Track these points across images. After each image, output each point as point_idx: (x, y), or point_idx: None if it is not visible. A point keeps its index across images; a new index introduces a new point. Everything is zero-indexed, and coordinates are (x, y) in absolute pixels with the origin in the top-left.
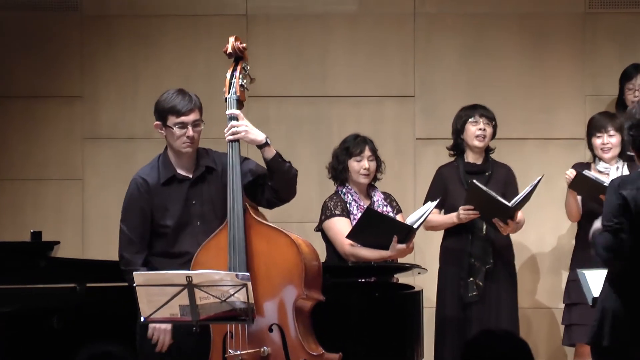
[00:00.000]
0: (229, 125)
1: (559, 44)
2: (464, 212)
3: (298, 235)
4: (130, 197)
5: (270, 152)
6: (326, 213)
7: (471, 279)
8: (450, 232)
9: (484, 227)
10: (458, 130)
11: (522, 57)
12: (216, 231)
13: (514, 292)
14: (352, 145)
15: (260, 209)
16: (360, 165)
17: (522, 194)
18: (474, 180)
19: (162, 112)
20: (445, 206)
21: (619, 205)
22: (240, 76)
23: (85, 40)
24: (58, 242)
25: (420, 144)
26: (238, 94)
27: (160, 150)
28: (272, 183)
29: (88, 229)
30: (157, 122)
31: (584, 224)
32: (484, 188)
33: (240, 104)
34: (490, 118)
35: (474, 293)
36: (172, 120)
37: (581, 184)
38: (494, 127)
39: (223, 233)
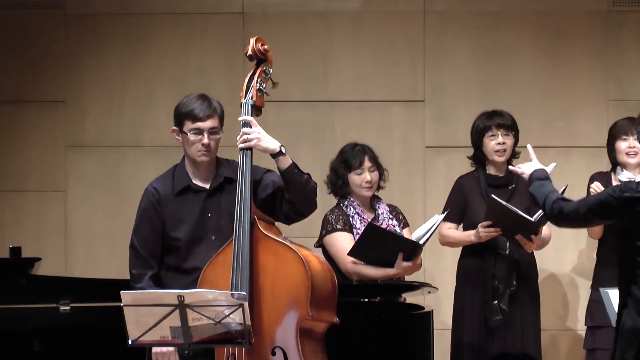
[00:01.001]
0: (241, 132)
1: (580, 44)
2: (483, 230)
3: (313, 251)
4: (141, 208)
5: (285, 162)
6: (327, 227)
7: (495, 302)
8: (471, 249)
9: (508, 245)
10: (476, 142)
11: (539, 59)
12: (224, 245)
13: (537, 314)
14: (351, 157)
15: (278, 224)
16: (361, 179)
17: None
18: (493, 195)
19: (179, 117)
20: (465, 221)
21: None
22: (260, 80)
23: (69, 40)
24: (39, 259)
25: (431, 153)
26: (254, 99)
27: (149, 159)
28: (289, 196)
29: (71, 244)
30: (174, 127)
31: (607, 239)
32: (504, 203)
33: (257, 110)
34: (509, 127)
35: (498, 317)
36: (188, 125)
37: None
38: (515, 136)
39: (230, 248)
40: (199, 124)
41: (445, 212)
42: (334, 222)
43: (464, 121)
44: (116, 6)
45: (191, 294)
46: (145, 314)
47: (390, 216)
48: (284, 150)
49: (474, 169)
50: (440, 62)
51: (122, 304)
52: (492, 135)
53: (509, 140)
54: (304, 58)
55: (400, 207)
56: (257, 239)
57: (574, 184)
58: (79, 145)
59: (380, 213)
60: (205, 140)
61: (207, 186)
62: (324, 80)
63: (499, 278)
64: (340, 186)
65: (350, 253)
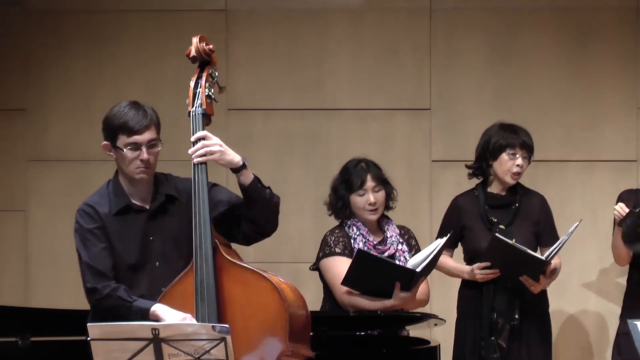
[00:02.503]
0: (199, 144)
1: (606, 45)
2: (480, 272)
3: (282, 278)
4: (84, 229)
5: (247, 177)
6: (324, 250)
7: (492, 338)
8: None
9: None
10: (488, 154)
11: (561, 61)
12: (180, 275)
13: (548, 351)
14: (352, 176)
15: (236, 246)
16: (363, 201)
17: (557, 243)
18: (497, 235)
19: (111, 130)
20: (464, 245)
21: None
22: (207, 85)
23: (29, 40)
24: None
25: (438, 168)
26: (204, 106)
27: None
28: (252, 214)
29: (32, 269)
30: (106, 142)
31: (638, 265)
32: (511, 243)
33: (207, 119)
34: (530, 149)
35: (496, 356)
36: (122, 140)
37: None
38: (530, 160)
39: (189, 277)
40: (136, 138)
41: (446, 237)
42: (332, 245)
43: (475, 132)
44: (82, 3)
45: (167, 327)
46: (116, 348)
47: (401, 240)
48: (246, 163)
49: (473, 186)
50: (449, 66)
51: (89, 338)
52: (513, 154)
53: (525, 164)
54: (295, 61)
55: (405, 225)
56: (221, 267)
57: (598, 203)
58: (41, 158)
59: (388, 236)
60: (145, 156)
61: (147, 206)
62: (318, 85)
63: (497, 311)
64: (340, 208)
65: (344, 282)
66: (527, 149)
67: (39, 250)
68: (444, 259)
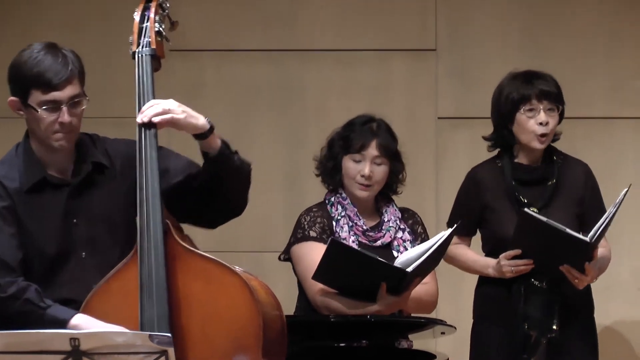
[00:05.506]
0: (150, 102)
1: None
2: (508, 263)
3: (248, 272)
4: None
5: (215, 143)
6: (296, 234)
7: (525, 356)
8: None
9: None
10: (503, 117)
11: None
12: (118, 266)
13: None
14: (354, 133)
15: (188, 228)
16: (356, 169)
17: (604, 218)
18: (526, 209)
19: (21, 84)
20: (484, 234)
21: None
22: (158, 19)
23: None
24: None
25: (446, 126)
26: (154, 46)
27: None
28: (220, 189)
29: None
30: (13, 98)
31: None
32: (544, 219)
33: (157, 63)
34: (556, 98)
35: None
36: (36, 97)
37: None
38: (562, 112)
39: (131, 269)
40: (55, 95)
41: (455, 226)
42: (306, 227)
43: (495, 81)
44: None
45: (90, 337)
46: None
47: (401, 225)
48: (213, 125)
49: (495, 154)
50: None
51: None
52: (531, 110)
53: (553, 120)
54: None
55: (403, 204)
56: (175, 256)
57: None
58: None
59: (385, 220)
60: (66, 118)
61: (69, 179)
62: (290, 21)
63: (531, 321)
64: (330, 170)
65: (316, 277)
66: (550, 98)
67: None
68: (461, 251)
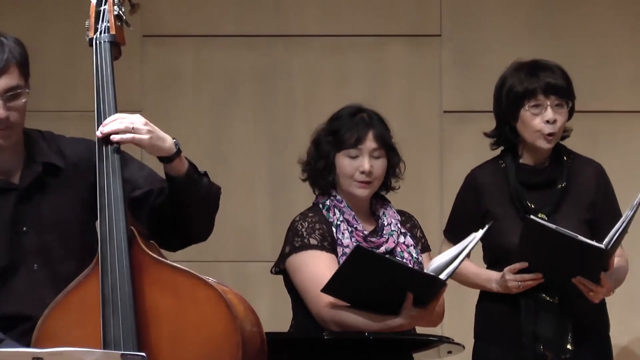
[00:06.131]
0: (113, 116)
1: None
2: (513, 278)
3: (224, 284)
4: None
5: (181, 167)
6: (294, 242)
7: None
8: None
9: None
10: (505, 113)
11: None
12: (78, 278)
13: None
14: (346, 127)
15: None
16: (354, 166)
17: (620, 222)
18: (532, 217)
19: None
20: (485, 243)
21: None
22: (117, 1)
23: None
24: None
25: (452, 121)
26: (113, 31)
27: None
28: (183, 214)
29: None
30: None
31: None
32: (552, 226)
33: (116, 50)
34: (564, 92)
35: None
36: None
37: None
38: (571, 108)
39: (92, 282)
40: None
41: (485, 228)
42: (305, 234)
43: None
44: None
45: (55, 356)
46: None
47: (402, 230)
48: (180, 148)
49: (498, 153)
50: None
51: None
52: (537, 106)
53: (561, 117)
54: None
55: (404, 206)
56: (141, 266)
57: None
58: None
59: (385, 224)
60: (2, 112)
61: (16, 181)
62: (275, 2)
63: (543, 340)
64: (321, 171)
65: (327, 289)
66: (558, 92)
67: None
68: (467, 265)
